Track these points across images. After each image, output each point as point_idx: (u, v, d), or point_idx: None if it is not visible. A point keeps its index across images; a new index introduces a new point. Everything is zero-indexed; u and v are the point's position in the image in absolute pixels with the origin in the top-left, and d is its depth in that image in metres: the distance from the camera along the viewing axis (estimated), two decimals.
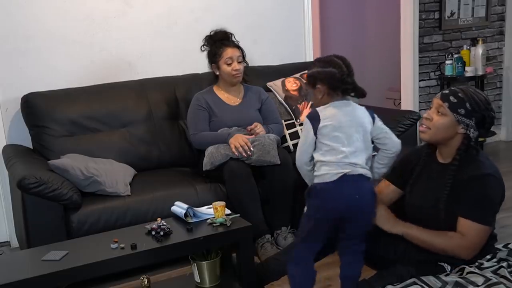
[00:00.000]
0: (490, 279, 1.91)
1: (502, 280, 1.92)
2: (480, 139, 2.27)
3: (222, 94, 3.30)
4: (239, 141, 2.95)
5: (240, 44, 3.29)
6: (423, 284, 1.93)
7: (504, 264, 2.02)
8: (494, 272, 1.98)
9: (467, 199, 2.04)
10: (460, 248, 2.04)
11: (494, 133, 2.22)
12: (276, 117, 3.39)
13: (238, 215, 2.42)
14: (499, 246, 2.15)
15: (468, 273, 1.98)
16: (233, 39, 3.29)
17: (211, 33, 3.29)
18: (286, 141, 3.49)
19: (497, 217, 2.12)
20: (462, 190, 2.05)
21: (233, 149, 2.94)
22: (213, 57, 3.24)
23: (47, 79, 3.34)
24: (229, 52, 3.20)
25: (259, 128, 3.12)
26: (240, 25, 3.87)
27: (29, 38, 3.31)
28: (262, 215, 2.92)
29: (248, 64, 3.37)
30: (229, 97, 3.30)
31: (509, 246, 2.14)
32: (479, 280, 1.92)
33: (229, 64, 3.20)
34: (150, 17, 3.63)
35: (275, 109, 3.44)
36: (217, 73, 3.27)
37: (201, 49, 3.30)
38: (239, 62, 3.23)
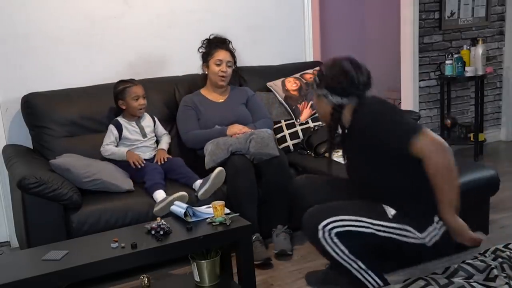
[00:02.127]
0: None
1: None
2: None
3: (208, 93, 3.36)
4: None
5: (240, 44, 3.31)
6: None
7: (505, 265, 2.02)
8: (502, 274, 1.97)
9: (383, 139, 2.10)
10: (437, 157, 1.98)
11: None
12: (264, 112, 3.43)
13: (238, 214, 2.42)
14: (499, 246, 2.15)
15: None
16: (231, 46, 3.36)
17: (211, 37, 3.38)
18: (286, 141, 3.49)
19: (496, 217, 2.11)
20: (367, 139, 2.15)
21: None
22: (206, 57, 3.33)
23: (47, 79, 3.33)
24: (221, 54, 3.28)
25: (241, 131, 3.11)
26: (240, 25, 3.88)
27: (29, 38, 3.31)
28: (255, 214, 2.92)
29: (237, 68, 3.43)
30: (215, 96, 3.36)
31: (509, 246, 2.14)
32: None
33: (218, 65, 3.27)
34: (150, 17, 3.63)
35: (262, 105, 3.49)
36: (206, 72, 3.35)
37: (198, 50, 3.37)
38: (229, 67, 3.30)
